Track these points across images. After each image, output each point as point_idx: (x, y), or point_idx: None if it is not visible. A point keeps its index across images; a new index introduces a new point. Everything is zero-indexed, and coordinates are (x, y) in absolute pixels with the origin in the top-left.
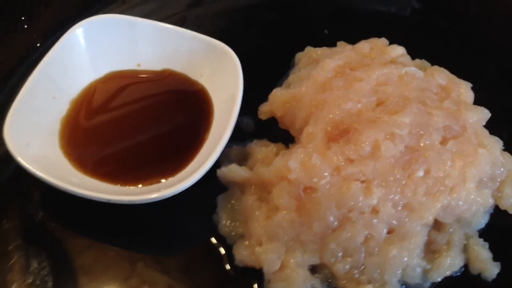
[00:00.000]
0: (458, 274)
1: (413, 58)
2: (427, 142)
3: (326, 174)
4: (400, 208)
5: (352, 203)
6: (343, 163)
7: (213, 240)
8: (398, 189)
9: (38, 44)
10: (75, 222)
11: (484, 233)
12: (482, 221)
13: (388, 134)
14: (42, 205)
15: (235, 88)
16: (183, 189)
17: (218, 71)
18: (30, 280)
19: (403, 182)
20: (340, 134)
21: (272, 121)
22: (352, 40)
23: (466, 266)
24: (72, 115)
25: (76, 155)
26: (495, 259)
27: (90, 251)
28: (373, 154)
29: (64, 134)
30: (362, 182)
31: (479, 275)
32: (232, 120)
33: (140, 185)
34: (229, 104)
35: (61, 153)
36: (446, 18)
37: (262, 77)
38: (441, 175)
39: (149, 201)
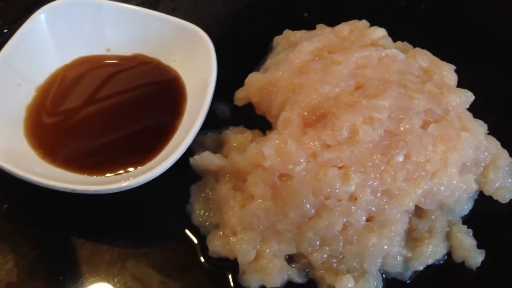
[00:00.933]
0: (441, 262)
1: (394, 40)
2: (407, 126)
3: (302, 160)
4: (379, 194)
5: (329, 190)
6: (319, 149)
7: (187, 231)
8: (377, 175)
9: (6, 30)
10: (40, 213)
11: (468, 220)
12: (465, 207)
13: (366, 118)
14: (6, 197)
15: (208, 72)
16: (152, 178)
17: (191, 55)
18: None
19: (382, 167)
20: (317, 119)
21: (249, 107)
22: (333, 23)
23: (449, 254)
24: (38, 103)
25: (42, 143)
26: (479, 246)
27: (56, 243)
28: (350, 139)
29: (30, 122)
30: (340, 168)
31: (462, 263)
32: (205, 106)
33: (108, 175)
34: (203, 89)
35: (26, 142)
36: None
37: (239, 62)
38: (422, 160)
39: (116, 190)
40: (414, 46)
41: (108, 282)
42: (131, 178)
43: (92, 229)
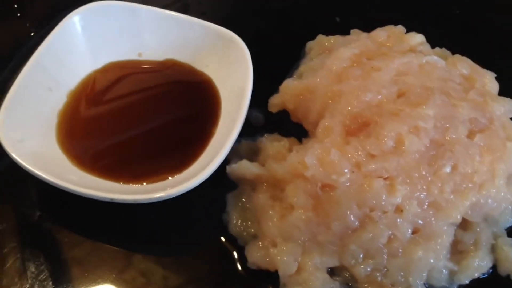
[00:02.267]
0: (486, 275)
1: (432, 47)
2: (453, 136)
3: (345, 170)
4: (425, 206)
5: (374, 201)
6: (364, 159)
7: (224, 240)
8: (424, 187)
9: (33, 33)
10: (74, 221)
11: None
12: (510, 219)
13: (411, 127)
14: (39, 205)
15: (245, 79)
16: (191, 188)
17: (226, 61)
18: (27, 285)
19: (429, 179)
20: (359, 127)
21: (283, 114)
22: (365, 28)
23: (494, 267)
24: (70, 108)
25: (75, 150)
26: None
27: (91, 252)
28: (396, 149)
29: (62, 128)
30: (385, 179)
31: (508, 276)
32: (242, 114)
33: (144, 183)
34: (238, 96)
35: (59, 149)
36: (463, 4)
37: (271, 67)
38: (469, 171)
39: (155, 200)
40: (452, 53)
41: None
42: (168, 188)
43: (127, 238)
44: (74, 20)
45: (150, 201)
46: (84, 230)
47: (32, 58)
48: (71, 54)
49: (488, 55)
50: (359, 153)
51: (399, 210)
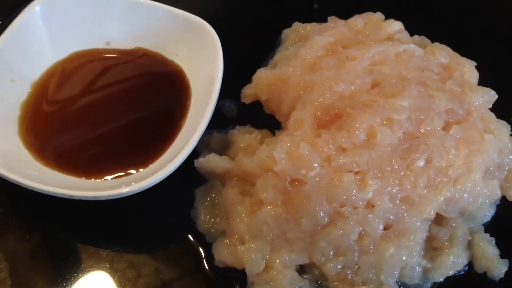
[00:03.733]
0: (462, 272)
1: (411, 34)
2: (428, 128)
3: (315, 165)
4: (398, 202)
5: (344, 197)
6: (334, 153)
7: (191, 237)
8: (396, 181)
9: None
10: (38, 217)
11: (490, 227)
12: (488, 214)
13: (384, 119)
14: (0, 200)
15: (215, 68)
16: (156, 182)
17: (196, 50)
18: None
19: (402, 173)
20: (331, 119)
21: (257, 105)
22: (344, 15)
23: (470, 264)
24: (33, 100)
25: (37, 144)
26: (502, 256)
27: (53, 246)
28: (368, 142)
29: (24, 120)
30: (356, 173)
31: (485, 273)
32: (211, 105)
33: (107, 178)
34: (208, 86)
35: (20, 142)
36: None
37: (245, 56)
38: (444, 165)
39: (117, 196)
40: (432, 41)
41: (106, 287)
42: (132, 183)
43: (91, 233)
44: (36, 10)
45: (111, 197)
46: (48, 226)
47: None
48: (34, 44)
49: (469, 42)
50: (330, 146)
51: (370, 205)
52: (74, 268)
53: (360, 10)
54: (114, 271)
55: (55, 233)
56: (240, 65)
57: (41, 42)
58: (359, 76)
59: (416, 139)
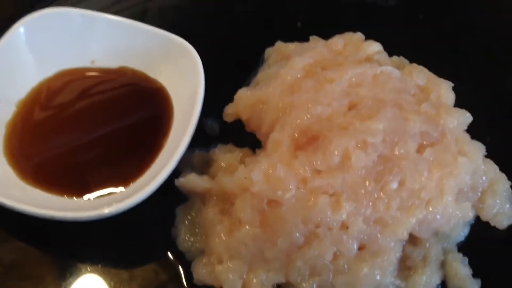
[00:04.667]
0: None
1: (390, 53)
2: (402, 151)
3: (291, 187)
4: (372, 223)
5: (319, 218)
6: (310, 175)
7: (171, 255)
8: (370, 203)
9: None
10: (18, 234)
11: (463, 247)
12: (461, 233)
13: (359, 142)
14: None
15: (196, 87)
16: (137, 202)
17: (178, 69)
18: None
19: (375, 195)
20: (308, 141)
21: (239, 123)
22: (327, 33)
23: (443, 283)
24: (18, 119)
25: (22, 162)
26: (474, 274)
27: (32, 263)
28: (342, 164)
29: (9, 139)
30: (331, 195)
31: None
32: (192, 124)
33: (90, 196)
34: (190, 105)
35: (5, 161)
36: (427, 11)
37: (229, 75)
38: (417, 187)
39: (98, 217)
40: (411, 59)
41: None
42: (113, 204)
43: (70, 249)
44: (20, 31)
45: (92, 218)
46: (27, 242)
47: None
48: (18, 64)
49: (448, 61)
50: (306, 168)
51: (344, 226)
52: (52, 285)
53: (342, 29)
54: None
55: (32, 250)
56: (223, 83)
57: (26, 61)
58: (336, 98)
59: (390, 162)
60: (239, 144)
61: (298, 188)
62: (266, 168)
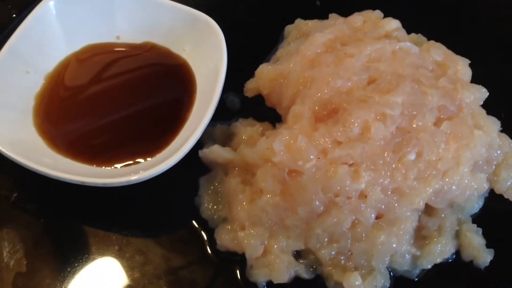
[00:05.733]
0: (449, 260)
1: (409, 32)
2: (420, 123)
3: (312, 157)
4: (389, 192)
5: (338, 187)
6: (330, 146)
7: (195, 223)
8: (388, 173)
9: (14, 15)
10: (50, 202)
11: (477, 218)
12: (476, 205)
13: (378, 114)
14: (16, 186)
15: (219, 62)
16: (162, 171)
17: (201, 45)
18: (2, 263)
19: (393, 165)
20: (328, 114)
21: (259, 98)
22: (346, 12)
23: (457, 252)
24: (47, 91)
25: (51, 133)
26: (488, 245)
27: (63, 231)
28: (362, 136)
29: (39, 111)
30: (350, 165)
31: (471, 262)
32: (215, 98)
33: (116, 166)
34: (213, 80)
35: (35, 131)
36: None
37: (249, 51)
38: (434, 159)
39: (125, 184)
40: (429, 38)
41: (115, 270)
42: (140, 172)
43: (99, 219)
44: (50, 4)
45: (120, 184)
46: (59, 210)
47: (7, 44)
48: (47, 38)
49: (464, 40)
50: (326, 139)
51: (363, 195)
52: (83, 252)
53: (360, 7)
54: (122, 256)
55: (64, 218)
56: (244, 60)
57: (55, 35)
58: (356, 73)
59: (408, 134)
60: (259, 118)
61: (319, 158)
62: (288, 139)
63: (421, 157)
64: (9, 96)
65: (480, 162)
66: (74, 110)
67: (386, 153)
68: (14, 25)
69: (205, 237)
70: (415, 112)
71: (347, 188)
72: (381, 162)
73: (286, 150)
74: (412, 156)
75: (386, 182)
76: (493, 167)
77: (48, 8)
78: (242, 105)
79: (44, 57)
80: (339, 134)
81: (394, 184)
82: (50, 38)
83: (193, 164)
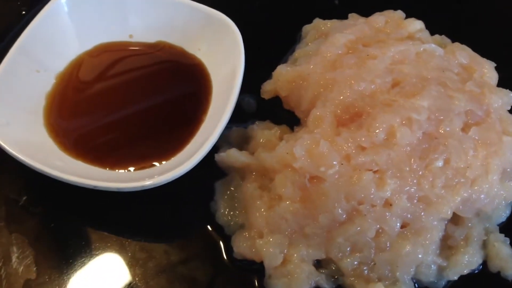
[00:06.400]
0: (476, 271)
1: (432, 33)
2: (447, 129)
3: (334, 163)
4: (415, 201)
5: (362, 195)
6: (353, 151)
7: (210, 229)
8: (414, 181)
9: (24, 12)
10: (61, 206)
11: (505, 227)
12: (503, 214)
13: (404, 119)
14: (26, 189)
15: (236, 63)
16: (178, 176)
17: (217, 45)
18: (11, 269)
19: (420, 173)
20: (351, 118)
21: (276, 100)
22: (365, 12)
23: (485, 263)
24: (58, 91)
25: (62, 134)
26: None
27: (74, 235)
28: (387, 141)
29: (49, 110)
30: (375, 172)
31: (498, 273)
32: (232, 100)
33: (131, 169)
34: (229, 81)
35: (46, 132)
36: None
37: (265, 52)
38: (462, 166)
39: (140, 188)
40: (452, 39)
41: (129, 276)
42: (155, 176)
43: (111, 224)
44: (61, 1)
45: (134, 189)
46: (70, 214)
47: (18, 40)
48: (58, 36)
49: (490, 43)
50: (349, 145)
51: (388, 204)
52: (93, 256)
53: (380, 7)
54: (134, 263)
55: (75, 222)
56: (260, 60)
57: (66, 33)
58: (380, 75)
59: (435, 140)
60: (276, 121)
61: (342, 164)
62: (309, 144)
63: (448, 164)
64: (19, 95)
65: (509, 170)
66: (85, 110)
67: (412, 160)
68: (24, 22)
69: (222, 245)
70: (442, 117)
71: (372, 196)
72: (407, 169)
73: (308, 155)
74: (439, 163)
75: (412, 190)
76: None
77: (59, 5)
78: (259, 107)
79: (55, 56)
80: (363, 139)
81: (420, 192)
82: (61, 36)
83: (208, 167)
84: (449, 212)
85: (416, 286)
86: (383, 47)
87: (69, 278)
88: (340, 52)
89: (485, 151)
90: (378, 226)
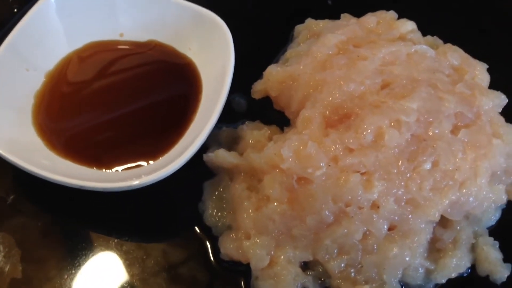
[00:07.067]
0: (465, 275)
1: (424, 34)
2: (436, 131)
3: (322, 164)
4: (403, 203)
5: (350, 197)
6: (341, 153)
7: (198, 230)
8: (402, 183)
9: (16, 10)
10: (48, 205)
11: (494, 231)
12: (493, 217)
13: (393, 121)
14: (13, 187)
15: (226, 63)
16: (166, 175)
17: (208, 44)
18: None
19: (408, 175)
20: (339, 119)
21: (267, 101)
22: (358, 12)
23: (473, 266)
24: (47, 89)
25: (50, 133)
26: (505, 260)
27: (62, 235)
28: (375, 143)
29: (38, 110)
30: (362, 174)
31: (487, 277)
32: (222, 99)
33: (119, 169)
34: (219, 80)
35: (34, 131)
36: None
37: (257, 52)
38: (451, 168)
39: (127, 189)
40: (445, 41)
41: (112, 278)
42: (142, 176)
43: (98, 223)
44: (51, 0)
45: (121, 189)
46: (57, 213)
47: (6, 40)
48: (48, 34)
49: (483, 44)
50: (337, 146)
51: (375, 206)
52: (80, 256)
53: (373, 7)
54: (120, 263)
55: (63, 221)
56: (251, 60)
57: (56, 32)
58: (369, 77)
59: (423, 142)
60: (266, 121)
61: (329, 165)
62: (297, 145)
63: (437, 167)
64: (7, 94)
65: (499, 173)
66: (74, 109)
67: (400, 162)
68: (15, 20)
69: (209, 245)
70: (431, 119)
71: (359, 198)
72: (395, 171)
73: (295, 157)
74: (427, 166)
75: (400, 192)
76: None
77: (49, 3)
78: (249, 107)
79: (44, 54)
80: (351, 140)
81: (408, 195)
82: (51, 34)
83: (197, 167)
84: (436, 215)
85: None
86: (374, 48)
87: (54, 278)
88: (330, 52)
89: (474, 154)
90: (365, 228)
